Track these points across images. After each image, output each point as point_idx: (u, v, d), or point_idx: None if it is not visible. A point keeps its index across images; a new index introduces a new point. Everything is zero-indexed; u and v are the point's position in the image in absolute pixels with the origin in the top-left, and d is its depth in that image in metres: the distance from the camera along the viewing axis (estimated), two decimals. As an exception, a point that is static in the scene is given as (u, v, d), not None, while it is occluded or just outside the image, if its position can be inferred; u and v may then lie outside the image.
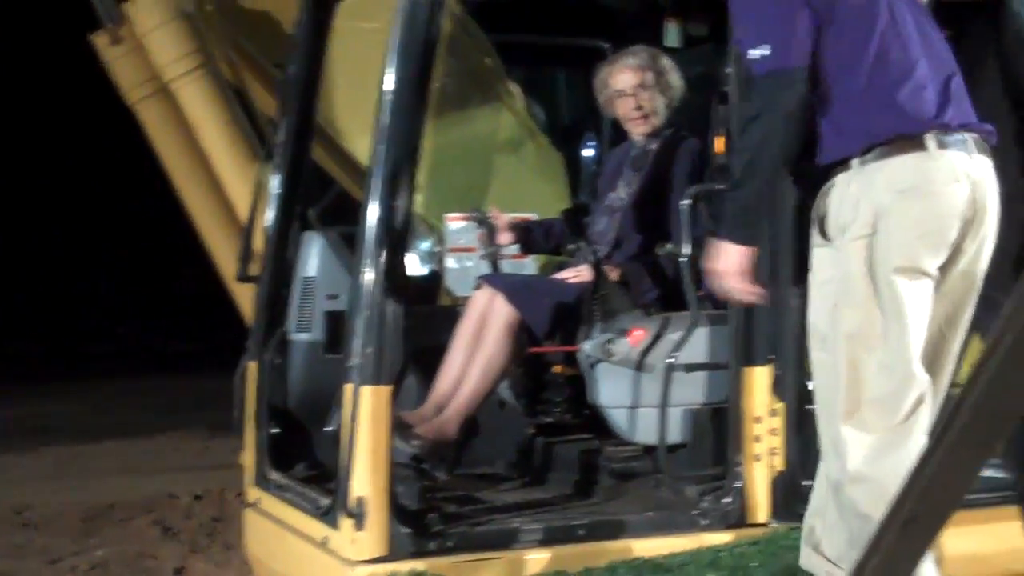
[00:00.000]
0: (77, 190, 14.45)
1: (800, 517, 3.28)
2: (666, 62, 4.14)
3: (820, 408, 2.92)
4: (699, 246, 3.58)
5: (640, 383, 3.64)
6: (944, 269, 2.79)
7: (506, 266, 4.29)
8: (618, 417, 3.70)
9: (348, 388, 3.25)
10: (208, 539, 5.66)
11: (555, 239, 4.32)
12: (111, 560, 5.37)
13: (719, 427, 3.56)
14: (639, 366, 3.63)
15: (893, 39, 2.80)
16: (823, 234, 2.90)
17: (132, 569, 5.28)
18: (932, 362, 2.80)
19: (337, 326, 3.81)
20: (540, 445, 3.98)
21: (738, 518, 3.43)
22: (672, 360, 3.54)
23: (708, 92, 4.19)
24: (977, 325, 2.89)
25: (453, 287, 4.35)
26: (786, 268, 3.41)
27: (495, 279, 3.92)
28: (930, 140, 2.75)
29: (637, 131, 4.13)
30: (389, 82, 3.31)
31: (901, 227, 2.73)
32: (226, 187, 5.41)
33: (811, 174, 2.91)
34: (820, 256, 2.92)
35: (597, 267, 3.89)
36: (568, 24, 4.94)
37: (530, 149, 5.08)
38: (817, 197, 2.90)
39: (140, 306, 14.69)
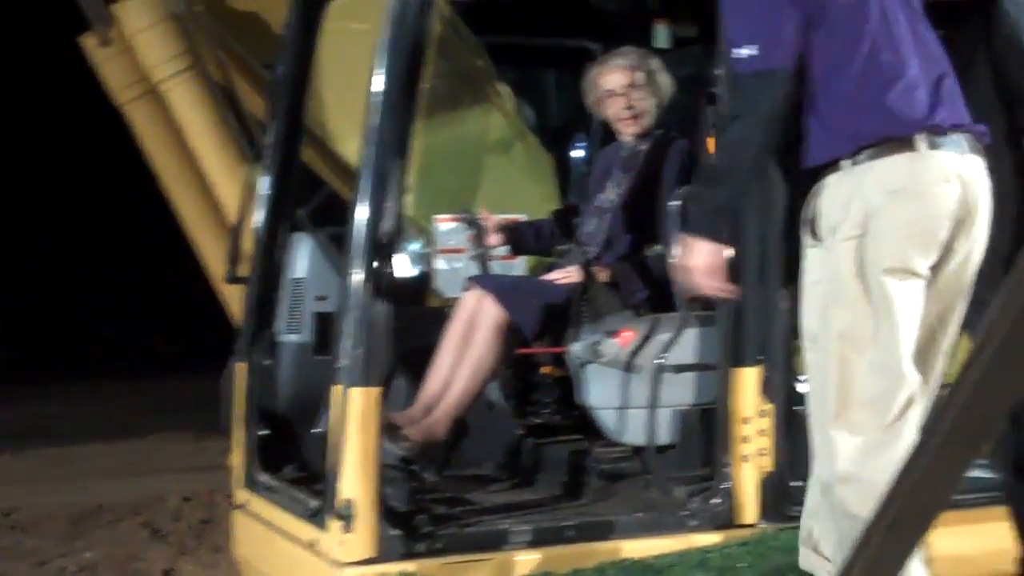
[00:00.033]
0: (68, 192, 14.41)
1: (789, 518, 3.29)
2: (656, 63, 4.15)
3: (812, 408, 2.92)
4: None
5: (629, 384, 3.64)
6: (936, 269, 2.79)
7: (496, 267, 4.29)
8: (607, 418, 3.70)
9: (337, 389, 3.25)
10: (197, 541, 5.65)
11: (545, 240, 4.32)
12: (99, 562, 5.36)
13: (708, 428, 3.56)
14: (628, 367, 3.64)
15: (884, 40, 2.80)
16: (814, 235, 2.90)
17: (120, 571, 5.27)
18: (923, 362, 2.81)
19: (326, 327, 3.81)
20: (529, 446, 3.98)
21: (727, 519, 3.43)
22: (661, 361, 3.54)
23: (697, 93, 4.21)
24: (968, 325, 2.90)
25: (442, 288, 4.35)
26: (775, 269, 3.41)
27: (484, 280, 3.92)
28: (920, 141, 2.75)
29: (627, 131, 4.13)
30: (378, 83, 3.30)
31: (891, 228, 2.73)
32: (215, 188, 5.41)
33: (802, 175, 2.91)
34: (811, 257, 2.92)
35: (586, 268, 3.89)
36: (558, 25, 4.94)
37: (520, 150, 5.08)
38: (808, 198, 2.90)
39: (129, 308, 14.66)
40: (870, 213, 2.74)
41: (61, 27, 5.96)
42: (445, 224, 4.41)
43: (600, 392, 3.71)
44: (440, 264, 4.37)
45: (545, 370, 4.01)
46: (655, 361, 3.54)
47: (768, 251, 3.41)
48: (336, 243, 3.85)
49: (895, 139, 2.76)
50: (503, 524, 3.38)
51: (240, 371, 4.06)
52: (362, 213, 3.27)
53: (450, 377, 3.72)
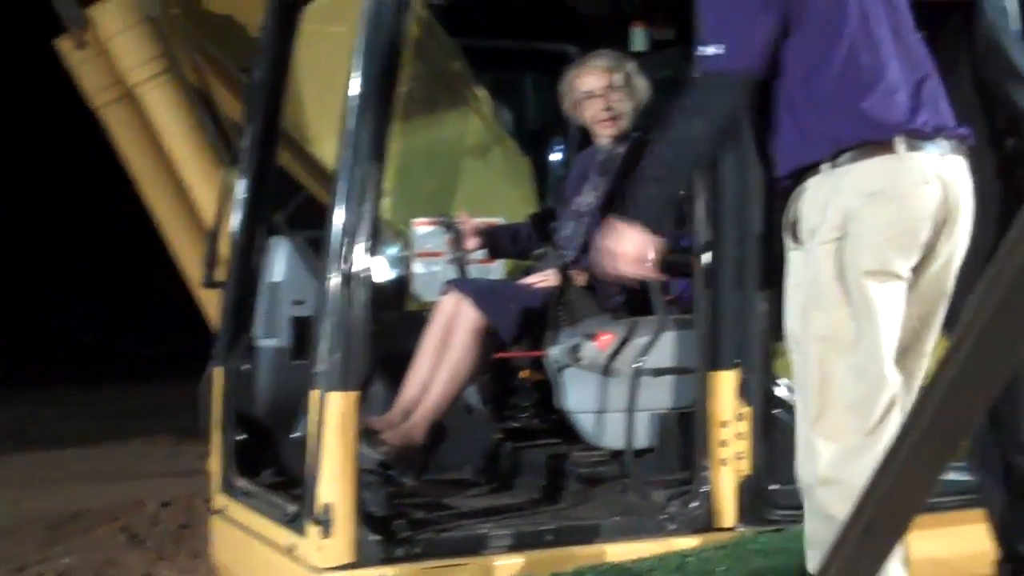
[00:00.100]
0: (43, 195, 14.35)
1: (767, 521, 3.29)
2: (632, 66, 4.15)
3: (797, 411, 2.91)
4: (666, 250, 3.59)
5: (607, 388, 3.64)
6: (917, 271, 2.78)
7: (473, 271, 4.28)
8: (585, 422, 3.70)
9: (315, 394, 3.24)
10: (175, 546, 5.62)
11: (522, 244, 4.32)
12: (77, 568, 5.32)
13: (686, 431, 3.56)
14: (606, 371, 3.64)
15: (863, 43, 2.79)
16: (795, 238, 2.89)
17: (98, 577, 5.24)
18: (905, 364, 2.80)
19: (304, 332, 3.79)
20: (508, 450, 3.98)
21: (705, 522, 3.43)
22: (639, 364, 3.54)
23: (674, 96, 4.20)
24: (949, 326, 2.90)
25: (420, 292, 4.34)
26: (752, 272, 3.41)
27: (462, 284, 3.91)
28: (900, 143, 2.74)
29: (605, 133, 4.13)
30: (355, 86, 3.29)
31: (871, 230, 2.72)
32: (192, 192, 5.39)
33: (781, 178, 2.90)
34: (793, 260, 2.91)
35: (564, 272, 3.89)
36: (535, 28, 4.94)
37: (497, 153, 5.07)
38: (788, 201, 2.89)
39: (106, 312, 14.60)
40: (849, 216, 2.74)
41: (37, 30, 5.93)
42: (422, 228, 4.41)
43: (578, 396, 3.71)
44: (418, 268, 4.37)
45: (523, 374, 4.01)
46: (633, 365, 3.54)
47: (746, 254, 3.42)
48: (313, 247, 3.83)
49: (874, 142, 2.75)
50: (482, 528, 3.38)
51: (217, 376, 4.04)
52: (339, 217, 3.25)
53: (428, 381, 3.71)
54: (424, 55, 4.74)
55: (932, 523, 2.78)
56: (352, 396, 3.21)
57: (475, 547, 3.31)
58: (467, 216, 4.24)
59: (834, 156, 2.77)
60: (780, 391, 3.48)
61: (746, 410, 3.43)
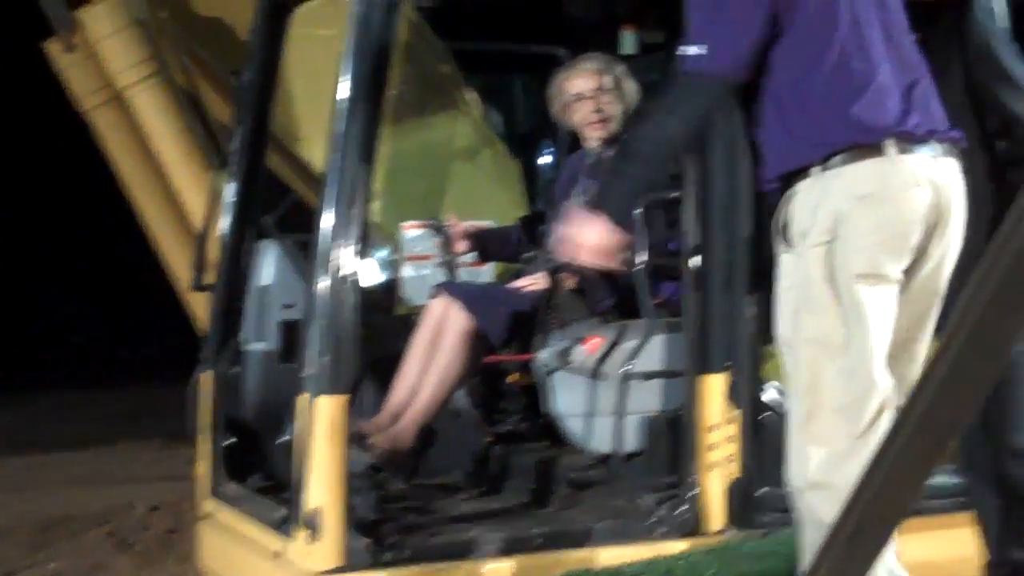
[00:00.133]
0: (31, 198, 14.31)
1: (756, 525, 3.29)
2: (622, 69, 4.15)
3: (789, 415, 2.91)
4: (656, 254, 3.59)
5: (596, 391, 3.63)
6: (909, 274, 2.78)
7: (463, 274, 4.28)
8: (574, 425, 3.69)
9: (304, 398, 3.23)
10: (164, 551, 5.60)
11: (512, 247, 4.32)
12: (65, 572, 5.30)
13: (675, 435, 3.56)
14: (595, 374, 3.63)
15: (854, 46, 2.78)
16: (786, 241, 2.89)
17: (86, 582, 5.23)
18: (897, 368, 2.79)
19: (293, 335, 3.78)
20: (497, 454, 3.97)
21: (694, 526, 3.43)
22: (628, 368, 3.53)
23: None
24: (942, 329, 2.89)
25: (409, 296, 4.33)
26: (741, 275, 3.41)
27: (451, 287, 3.91)
28: (890, 146, 2.74)
29: (595, 136, 4.13)
30: (344, 89, 3.29)
31: (861, 233, 2.72)
32: (181, 195, 5.38)
33: (771, 182, 2.90)
34: (785, 263, 2.91)
35: (553, 275, 3.89)
36: (525, 31, 4.94)
37: (487, 156, 5.07)
38: (779, 205, 2.89)
39: (94, 315, 14.56)
40: (839, 219, 2.73)
41: (26, 32, 5.91)
42: (412, 231, 4.39)
43: (567, 400, 3.70)
44: (407, 271, 4.36)
45: (512, 378, 4.00)
46: (622, 368, 3.53)
47: (735, 257, 3.42)
48: (303, 250, 3.83)
49: (865, 145, 2.74)
50: (471, 532, 3.37)
51: (206, 379, 4.03)
52: (328, 220, 3.25)
53: (417, 385, 3.71)
54: (413, 58, 4.74)
55: (920, 527, 2.78)
56: (341, 400, 3.20)
57: (464, 551, 3.30)
58: (456, 219, 4.23)
59: (824, 159, 2.76)
60: (769, 394, 3.48)
61: (735, 413, 3.43)
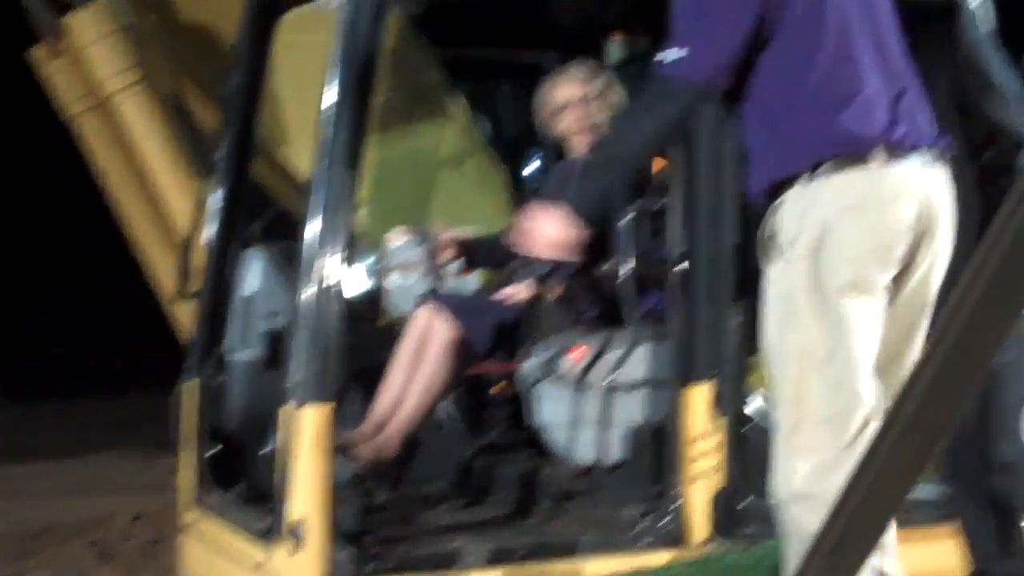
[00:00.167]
0: (13, 205, 14.25)
1: (740, 536, 3.28)
2: (609, 77, 4.15)
3: (775, 426, 2.90)
4: (641, 263, 3.59)
5: (581, 402, 3.63)
6: (898, 284, 2.77)
7: (449, 283, 4.26)
8: (559, 436, 3.69)
9: (288, 407, 3.22)
10: (146, 561, 5.58)
11: (498, 256, 4.30)
12: (47, 583, 5.29)
13: (660, 446, 3.55)
14: (580, 385, 3.62)
15: (842, 56, 2.77)
16: (773, 251, 2.88)
17: (68, 593, 5.20)
18: (887, 380, 2.77)
19: (277, 345, 3.77)
20: (481, 465, 3.95)
21: (678, 537, 3.42)
22: (613, 378, 3.53)
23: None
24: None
25: (394, 305, 4.31)
26: (726, 285, 3.41)
27: (436, 297, 3.90)
28: (877, 156, 2.73)
29: (581, 144, 4.12)
30: (330, 96, 3.28)
31: (847, 243, 2.71)
32: (165, 202, 5.35)
33: (758, 192, 2.89)
34: (771, 273, 2.90)
35: (538, 285, 3.88)
36: (512, 39, 4.93)
37: (473, 164, 5.06)
38: (767, 215, 2.88)
39: (76, 324, 14.50)
40: (826, 229, 2.72)
41: (10, 38, 5.89)
42: (397, 240, 4.38)
43: (551, 410, 3.69)
44: (392, 280, 4.34)
45: (496, 388, 3.99)
46: (606, 378, 3.53)
47: (720, 267, 3.42)
48: (288, 259, 3.81)
49: (852, 155, 2.74)
50: (455, 543, 3.36)
51: (190, 389, 4.01)
52: (314, 228, 3.24)
53: (402, 394, 3.70)
54: (400, 65, 4.73)
55: (904, 538, 2.78)
56: (325, 409, 3.19)
57: (448, 562, 3.29)
58: (442, 228, 4.23)
59: (812, 169, 2.76)
60: (754, 405, 3.47)
61: (719, 424, 3.42)
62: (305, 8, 4.01)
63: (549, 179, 4.40)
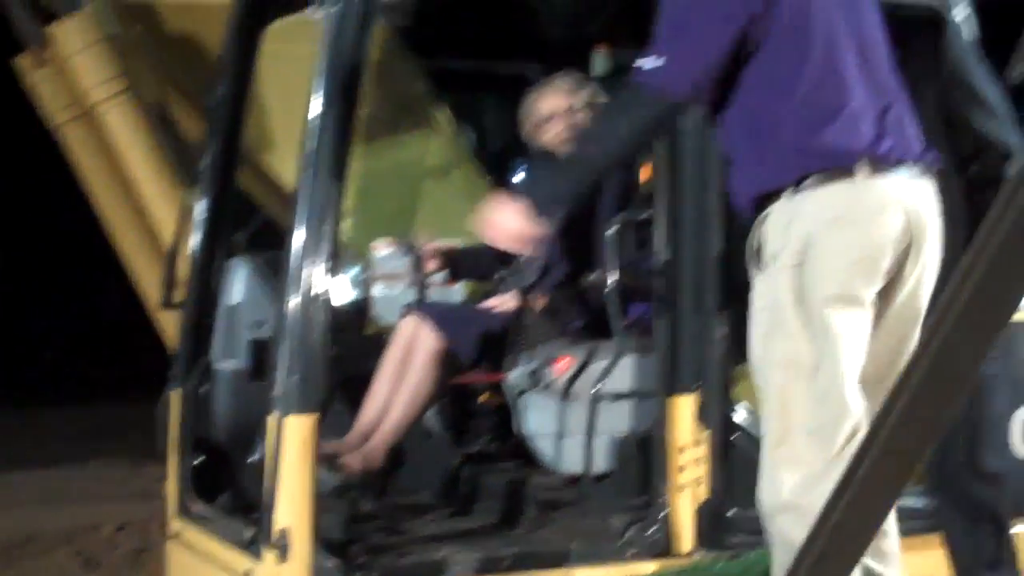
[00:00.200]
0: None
1: (726, 546, 3.29)
2: (594, 88, 4.16)
3: (762, 436, 2.90)
4: (627, 274, 3.59)
5: (566, 412, 3.63)
6: (886, 299, 2.76)
7: (434, 293, 4.26)
8: (544, 446, 3.69)
9: (273, 417, 3.21)
10: (132, 571, 5.56)
11: (483, 267, 4.30)
12: (30, 593, 5.26)
13: (646, 456, 3.55)
14: (566, 395, 3.63)
15: (828, 70, 2.77)
16: (759, 263, 2.88)
17: (52, 602, 5.18)
18: (878, 394, 2.73)
19: (263, 354, 3.76)
20: (467, 474, 3.95)
21: (664, 547, 3.42)
22: (599, 388, 3.53)
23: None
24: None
25: (380, 315, 4.31)
26: (712, 296, 3.42)
27: (422, 307, 3.90)
28: (862, 170, 2.73)
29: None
30: (316, 107, 3.28)
31: (831, 256, 2.71)
32: (151, 212, 5.34)
33: (744, 204, 2.90)
34: (757, 285, 2.91)
35: (524, 295, 3.88)
36: (498, 50, 4.94)
37: (459, 175, 5.06)
38: (753, 227, 2.88)
39: (63, 332, 14.44)
40: (810, 241, 2.72)
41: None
42: (383, 250, 4.38)
43: (537, 420, 3.70)
44: (378, 290, 4.34)
45: (482, 398, 3.99)
46: (592, 389, 3.53)
47: (705, 277, 3.42)
48: (273, 268, 3.81)
49: (837, 168, 2.74)
50: (441, 553, 3.36)
51: (175, 398, 4.00)
52: (299, 238, 3.24)
53: (387, 404, 3.69)
54: (386, 76, 4.73)
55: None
56: (310, 419, 3.18)
57: (433, 572, 3.29)
58: (428, 238, 4.23)
59: (797, 182, 2.76)
60: (740, 415, 3.48)
61: (705, 434, 3.43)
62: (291, 18, 4.01)
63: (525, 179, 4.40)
